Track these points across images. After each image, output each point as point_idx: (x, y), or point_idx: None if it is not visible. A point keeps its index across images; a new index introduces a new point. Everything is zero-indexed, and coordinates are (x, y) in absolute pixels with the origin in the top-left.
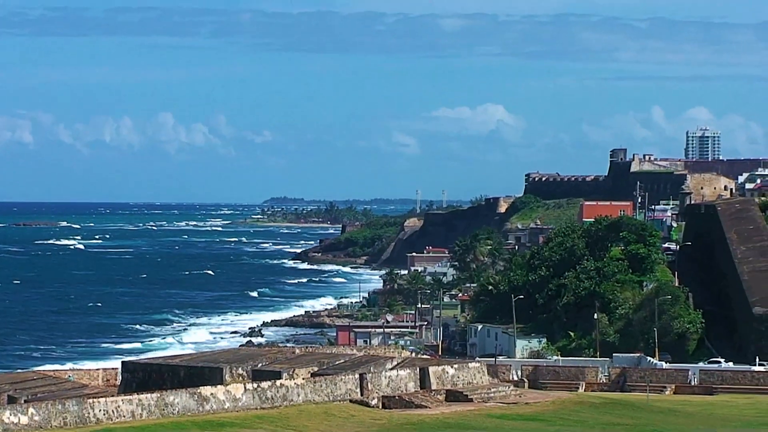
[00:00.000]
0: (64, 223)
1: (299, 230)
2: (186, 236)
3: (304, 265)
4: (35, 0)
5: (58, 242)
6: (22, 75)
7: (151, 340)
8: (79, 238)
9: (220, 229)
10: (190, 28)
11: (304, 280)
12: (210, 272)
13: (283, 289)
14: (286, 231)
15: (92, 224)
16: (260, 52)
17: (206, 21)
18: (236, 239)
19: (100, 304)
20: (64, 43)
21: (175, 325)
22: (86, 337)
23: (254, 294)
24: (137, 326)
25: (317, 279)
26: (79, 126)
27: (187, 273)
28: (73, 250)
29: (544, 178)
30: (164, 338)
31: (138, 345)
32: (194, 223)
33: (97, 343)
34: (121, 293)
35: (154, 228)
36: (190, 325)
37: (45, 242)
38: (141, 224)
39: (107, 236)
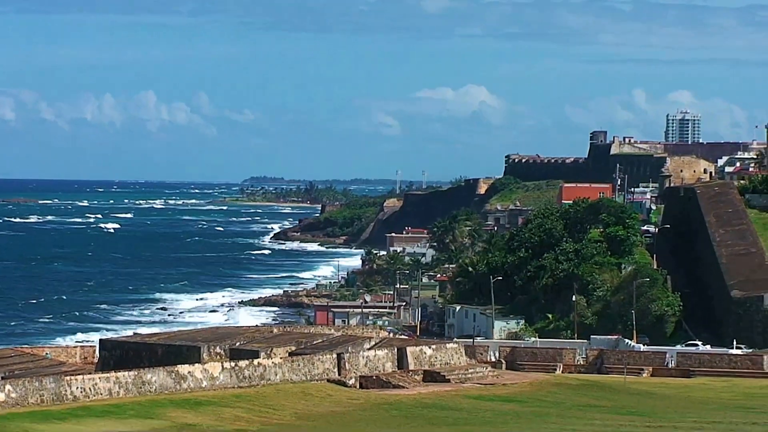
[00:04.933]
0: (68, 202)
1: (306, 210)
2: (201, 216)
3: (284, 245)
4: None
5: (75, 220)
6: (3, 53)
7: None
8: (99, 216)
9: (225, 208)
10: (170, 6)
11: (281, 258)
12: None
13: (258, 269)
14: (291, 211)
15: (96, 202)
16: (242, 31)
17: None
18: (249, 218)
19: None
20: (45, 20)
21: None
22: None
23: (232, 272)
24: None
25: (296, 258)
26: (61, 104)
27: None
28: (105, 231)
29: (524, 160)
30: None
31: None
32: (193, 201)
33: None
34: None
35: (160, 206)
36: (171, 303)
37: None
38: (136, 201)
39: (130, 215)
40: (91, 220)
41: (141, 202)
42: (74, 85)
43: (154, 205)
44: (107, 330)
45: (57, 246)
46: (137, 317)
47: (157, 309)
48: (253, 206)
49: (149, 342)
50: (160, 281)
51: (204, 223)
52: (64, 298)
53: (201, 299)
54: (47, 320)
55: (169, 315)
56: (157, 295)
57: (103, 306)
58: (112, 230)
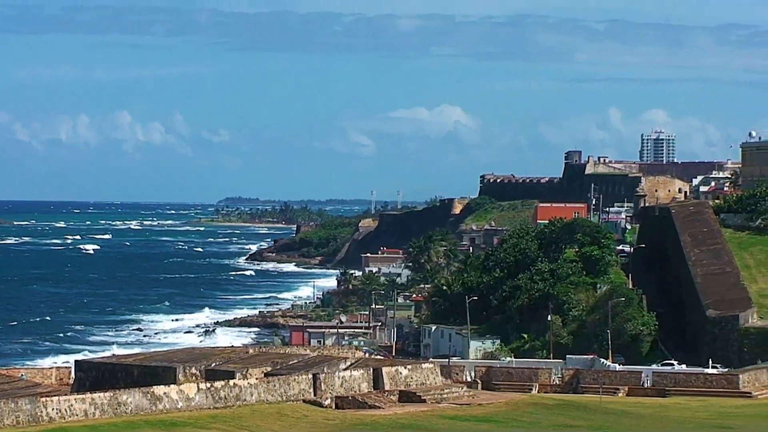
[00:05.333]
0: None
1: (282, 230)
2: (178, 236)
3: (259, 265)
4: None
5: (52, 241)
6: None
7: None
8: (78, 237)
9: (202, 229)
10: (145, 27)
11: (259, 279)
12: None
13: (237, 289)
14: (267, 231)
15: (73, 223)
16: (217, 52)
17: (162, 19)
18: (226, 239)
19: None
20: (20, 40)
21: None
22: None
23: (209, 293)
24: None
25: (271, 279)
26: (36, 124)
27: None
28: (84, 252)
29: (498, 180)
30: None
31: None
32: (170, 222)
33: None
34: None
35: (137, 227)
36: (147, 324)
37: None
38: (112, 222)
39: (108, 236)
40: (69, 241)
41: (118, 222)
42: (48, 106)
43: (131, 226)
44: (89, 351)
45: (34, 267)
46: (114, 338)
47: (133, 330)
48: (230, 227)
49: (125, 363)
50: (139, 302)
51: (182, 243)
52: (48, 318)
53: (177, 320)
54: (25, 341)
55: (144, 336)
56: (134, 316)
57: (79, 327)
58: (91, 251)
